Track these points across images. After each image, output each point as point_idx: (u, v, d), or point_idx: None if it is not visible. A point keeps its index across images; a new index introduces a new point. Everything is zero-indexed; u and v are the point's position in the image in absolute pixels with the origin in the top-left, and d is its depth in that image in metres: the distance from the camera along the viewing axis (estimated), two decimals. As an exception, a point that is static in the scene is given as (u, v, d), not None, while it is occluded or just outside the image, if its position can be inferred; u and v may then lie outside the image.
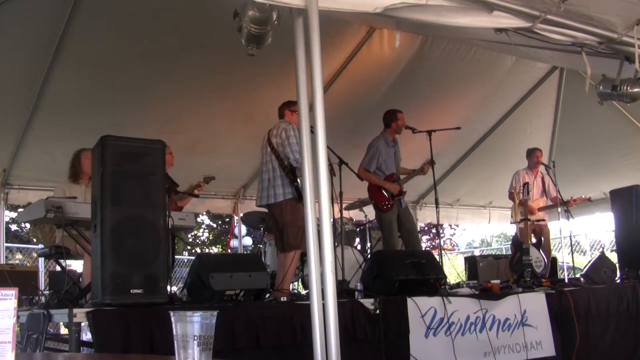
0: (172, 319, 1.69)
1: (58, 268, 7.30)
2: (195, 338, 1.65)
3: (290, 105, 6.53)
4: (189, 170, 8.39)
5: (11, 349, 1.63)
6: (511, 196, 9.05)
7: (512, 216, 9.24)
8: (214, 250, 24.09)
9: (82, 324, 4.21)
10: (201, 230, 24.06)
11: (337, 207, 6.66)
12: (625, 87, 5.27)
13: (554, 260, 9.18)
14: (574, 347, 6.11)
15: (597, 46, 4.87)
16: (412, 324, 5.25)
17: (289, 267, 6.21)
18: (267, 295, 5.49)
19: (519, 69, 9.38)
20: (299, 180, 6.20)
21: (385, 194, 7.68)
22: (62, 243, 5.81)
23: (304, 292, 7.80)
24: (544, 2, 4.41)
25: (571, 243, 9.19)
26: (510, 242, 11.02)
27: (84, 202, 5.38)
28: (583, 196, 9.29)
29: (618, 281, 7.34)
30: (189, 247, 21.68)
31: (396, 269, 5.74)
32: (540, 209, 9.05)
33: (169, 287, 4.92)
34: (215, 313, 1.70)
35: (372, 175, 7.70)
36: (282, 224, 6.31)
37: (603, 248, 14.12)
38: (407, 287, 5.60)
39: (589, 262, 7.88)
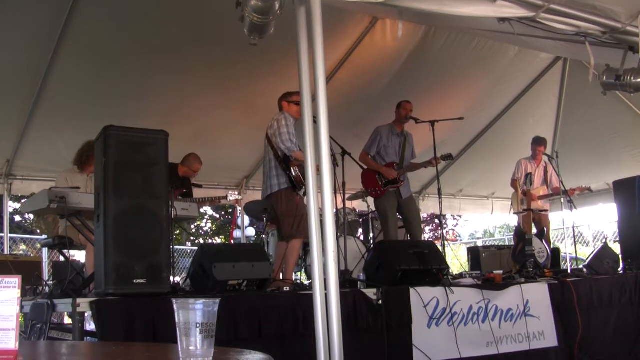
0: (175, 306, 1.69)
1: (62, 258, 7.32)
2: (198, 325, 1.66)
3: (287, 97, 6.57)
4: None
5: (15, 336, 1.63)
6: (513, 184, 9.05)
7: (512, 205, 9.24)
8: (217, 240, 24.14)
9: (86, 314, 4.22)
10: (204, 220, 24.12)
11: (339, 198, 6.67)
12: (628, 77, 5.25)
13: (556, 251, 9.18)
14: (576, 338, 6.11)
15: (601, 36, 4.85)
16: (414, 314, 5.26)
17: (290, 257, 6.26)
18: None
19: (522, 59, 9.35)
20: (292, 169, 6.25)
21: (378, 180, 7.71)
22: (65, 233, 5.82)
23: (306, 282, 7.81)
24: (548, -8, 4.40)
25: (574, 234, 9.19)
26: (513, 233, 11.02)
27: (87, 193, 5.38)
28: (583, 186, 9.28)
29: (621, 272, 7.34)
30: (192, 238, 21.73)
31: (399, 259, 5.75)
32: (540, 197, 9.05)
33: (172, 277, 4.95)
34: (217, 301, 1.70)
35: (370, 159, 7.78)
36: (278, 214, 6.44)
37: (606, 239, 14.15)
38: (409, 277, 5.61)
39: (592, 252, 7.87)
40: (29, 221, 19.76)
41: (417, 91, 8.69)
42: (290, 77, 5.47)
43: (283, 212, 6.35)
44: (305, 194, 6.33)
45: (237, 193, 8.90)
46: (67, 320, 6.66)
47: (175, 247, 9.22)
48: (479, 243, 18.68)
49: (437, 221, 20.38)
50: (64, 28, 6.60)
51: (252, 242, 14.49)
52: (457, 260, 14.08)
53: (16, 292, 1.67)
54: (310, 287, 4.45)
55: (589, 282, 6.52)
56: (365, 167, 7.74)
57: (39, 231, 17.30)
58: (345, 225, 7.27)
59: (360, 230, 9.67)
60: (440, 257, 6.21)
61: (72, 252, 6.82)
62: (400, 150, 7.84)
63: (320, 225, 3.85)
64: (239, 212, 11.98)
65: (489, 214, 13.33)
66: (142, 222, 4.40)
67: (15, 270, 6.89)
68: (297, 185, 6.31)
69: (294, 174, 6.28)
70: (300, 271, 8.69)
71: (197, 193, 8.46)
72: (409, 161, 7.92)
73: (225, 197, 8.56)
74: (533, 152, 9.27)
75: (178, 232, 17.83)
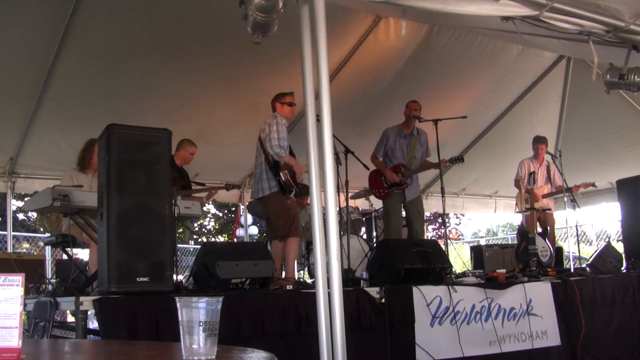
0: (178, 304, 1.69)
1: (65, 257, 7.32)
2: (201, 324, 1.66)
3: (279, 98, 6.59)
4: (194, 160, 8.38)
5: (18, 334, 1.64)
6: (517, 184, 9.04)
7: (516, 204, 9.24)
8: (220, 239, 24.14)
9: (89, 312, 4.22)
10: (207, 219, 24.11)
11: (342, 196, 6.67)
12: (632, 76, 5.25)
13: (560, 250, 9.18)
14: (579, 337, 6.11)
15: (604, 35, 4.84)
16: (417, 313, 5.26)
17: (291, 255, 6.29)
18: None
19: (525, 58, 9.34)
20: (281, 174, 6.27)
21: (383, 182, 7.74)
22: (68, 232, 5.81)
23: (309, 280, 7.82)
24: (551, -10, 4.38)
25: (577, 233, 9.16)
26: (516, 232, 11.00)
27: (91, 191, 5.39)
28: (587, 182, 9.27)
29: (624, 271, 7.33)
30: (195, 236, 21.73)
31: (402, 258, 5.75)
32: (544, 196, 9.04)
33: (174, 276, 4.95)
34: (220, 299, 1.70)
35: (378, 161, 7.82)
36: (270, 216, 6.49)
37: (609, 238, 14.12)
38: (412, 276, 5.61)
39: (595, 251, 7.87)
40: (32, 219, 19.77)
41: (420, 90, 8.68)
42: (293, 76, 5.47)
43: (276, 213, 6.39)
44: (295, 196, 6.40)
45: (236, 184, 8.86)
46: (70, 319, 6.67)
47: (178, 245, 9.23)
48: (482, 242, 18.69)
49: (440, 220, 20.37)
50: (66, 28, 6.61)
51: (254, 240, 14.50)
52: (460, 259, 14.05)
53: (19, 290, 1.67)
54: (313, 285, 4.45)
55: (592, 281, 6.51)
56: (369, 166, 7.74)
57: (42, 229, 17.30)
58: (348, 223, 7.28)
59: (363, 229, 9.67)
60: (443, 256, 6.21)
61: (75, 250, 6.82)
62: (408, 152, 7.83)
63: (323, 223, 3.85)
64: (241, 210, 11.99)
65: (492, 212, 13.33)
66: (145, 221, 4.41)
67: (18, 268, 6.88)
68: (287, 189, 6.33)
69: (283, 179, 6.30)
70: (303, 270, 8.69)
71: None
72: (419, 162, 7.90)
73: (223, 187, 8.54)
74: (535, 151, 9.25)
75: (181, 230, 17.79)
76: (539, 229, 8.53)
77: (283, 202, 6.37)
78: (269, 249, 6.27)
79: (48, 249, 10.16)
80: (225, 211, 23.59)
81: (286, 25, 4.20)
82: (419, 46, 8.45)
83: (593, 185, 9.44)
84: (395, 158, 7.82)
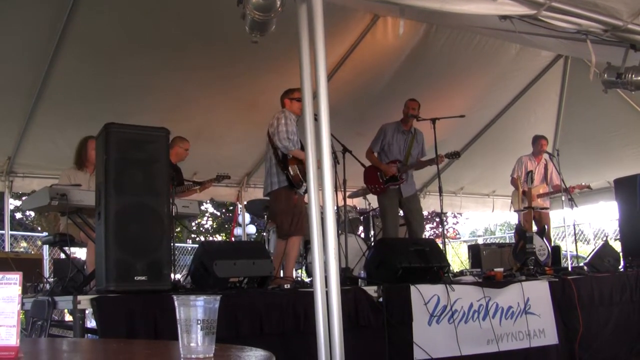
0: (176, 303, 1.69)
1: (62, 256, 7.32)
2: (199, 322, 1.66)
3: (288, 94, 6.55)
4: (193, 158, 8.38)
5: (16, 333, 1.63)
6: (513, 182, 9.04)
7: (512, 203, 9.24)
8: (218, 238, 24.15)
9: (87, 311, 4.22)
10: (205, 218, 24.13)
11: (340, 195, 6.67)
12: (630, 75, 5.24)
13: (557, 249, 9.19)
14: (576, 336, 6.12)
15: (602, 34, 4.83)
16: (415, 312, 5.26)
17: (290, 254, 6.27)
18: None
19: (523, 57, 9.34)
20: (289, 168, 6.25)
21: (379, 178, 7.74)
22: (66, 231, 5.82)
23: (307, 279, 7.82)
24: (549, -11, 4.38)
25: (575, 232, 9.17)
26: (513, 231, 11.01)
27: (88, 190, 5.38)
28: (583, 183, 9.28)
29: (621, 270, 7.34)
30: (192, 235, 21.73)
31: (400, 257, 5.75)
32: (539, 196, 9.05)
33: (172, 275, 4.95)
34: (218, 297, 1.71)
35: (373, 156, 7.84)
36: (276, 212, 6.49)
37: (607, 237, 14.14)
38: (410, 275, 5.61)
39: (593, 250, 7.87)
40: (29, 218, 19.78)
41: (418, 89, 8.66)
42: (291, 75, 5.46)
43: (281, 210, 6.37)
44: (305, 192, 6.36)
45: (226, 175, 8.84)
46: (68, 318, 6.67)
47: (176, 244, 9.22)
48: (480, 241, 18.69)
49: (437, 219, 20.38)
50: (65, 26, 6.59)
51: (252, 239, 14.51)
52: (457, 257, 14.07)
53: (17, 289, 1.67)
54: (311, 284, 4.45)
55: (590, 280, 6.52)
56: (367, 165, 7.74)
57: (39, 228, 17.32)
58: (346, 222, 7.27)
59: (361, 228, 9.67)
60: (441, 255, 6.22)
61: (73, 249, 6.81)
62: (405, 148, 7.82)
63: (321, 222, 3.85)
64: (239, 209, 11.99)
65: (489, 211, 13.33)
66: (143, 219, 4.41)
67: (16, 267, 6.88)
68: (295, 184, 6.31)
69: (291, 173, 6.27)
70: (301, 269, 8.69)
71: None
72: (415, 159, 7.89)
73: (215, 179, 8.53)
74: (536, 148, 9.24)
75: (179, 229, 17.82)
76: (535, 228, 8.55)
77: (290, 198, 6.34)
78: (267, 247, 6.27)
79: (46, 248, 10.17)
80: (223, 210, 23.60)
81: (285, 24, 4.20)
82: (417, 45, 8.45)
83: (588, 187, 9.45)
84: (391, 153, 7.81)
